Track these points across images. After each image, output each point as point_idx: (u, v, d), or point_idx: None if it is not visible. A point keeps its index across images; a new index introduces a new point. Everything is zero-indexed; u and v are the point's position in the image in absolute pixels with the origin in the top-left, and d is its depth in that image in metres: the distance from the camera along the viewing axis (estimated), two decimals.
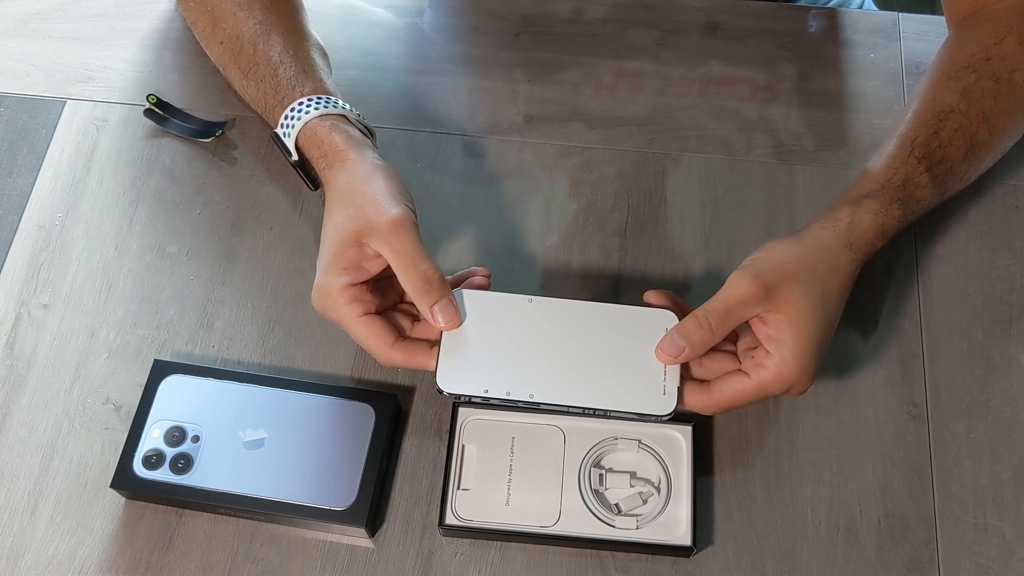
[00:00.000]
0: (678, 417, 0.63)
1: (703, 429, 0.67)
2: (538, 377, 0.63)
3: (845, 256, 0.64)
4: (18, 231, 0.75)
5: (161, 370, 0.67)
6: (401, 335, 0.64)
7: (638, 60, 0.84)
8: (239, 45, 0.74)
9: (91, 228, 0.76)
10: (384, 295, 0.66)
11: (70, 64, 0.83)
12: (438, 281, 0.62)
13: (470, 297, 0.64)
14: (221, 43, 0.76)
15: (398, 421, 0.67)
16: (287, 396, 0.66)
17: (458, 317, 0.63)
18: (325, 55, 0.77)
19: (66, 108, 0.81)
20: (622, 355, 0.63)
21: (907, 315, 0.72)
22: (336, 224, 0.64)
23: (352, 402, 0.66)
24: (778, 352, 0.60)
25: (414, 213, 0.64)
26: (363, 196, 0.64)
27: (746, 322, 0.62)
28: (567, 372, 0.63)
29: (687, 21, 0.86)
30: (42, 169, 0.78)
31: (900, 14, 0.87)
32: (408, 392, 0.69)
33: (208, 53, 0.79)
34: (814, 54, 0.85)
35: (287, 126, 0.70)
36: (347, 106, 0.70)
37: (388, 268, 0.64)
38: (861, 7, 0.99)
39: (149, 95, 0.80)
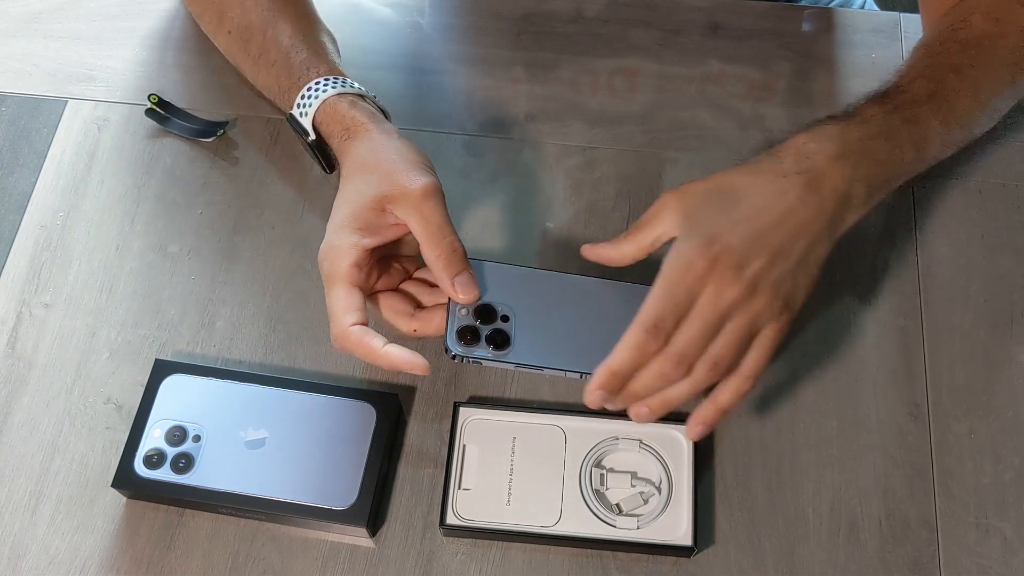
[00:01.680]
0: (680, 417, 0.63)
1: None
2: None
3: (761, 166, 0.63)
4: (20, 230, 0.75)
5: (162, 369, 0.67)
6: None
7: (639, 60, 0.84)
8: (248, 34, 0.74)
9: (92, 228, 0.76)
10: (388, 275, 0.66)
11: (72, 64, 0.83)
12: (462, 254, 0.63)
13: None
14: (229, 32, 0.76)
15: (399, 421, 0.67)
16: (288, 396, 0.66)
17: (477, 292, 0.63)
18: (334, 40, 0.77)
19: (68, 108, 0.81)
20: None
21: (909, 315, 0.72)
22: (356, 189, 0.64)
23: (353, 401, 0.66)
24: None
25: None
26: (390, 163, 0.64)
27: None
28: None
29: (688, 21, 0.86)
30: (43, 169, 0.78)
31: (902, 14, 0.87)
32: (409, 392, 0.69)
33: (216, 45, 0.79)
34: (815, 54, 0.85)
35: (304, 106, 0.70)
36: (362, 88, 0.70)
37: (394, 244, 0.64)
38: (863, 7, 0.99)
39: (151, 95, 0.80)
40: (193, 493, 0.63)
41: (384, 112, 0.72)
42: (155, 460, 0.64)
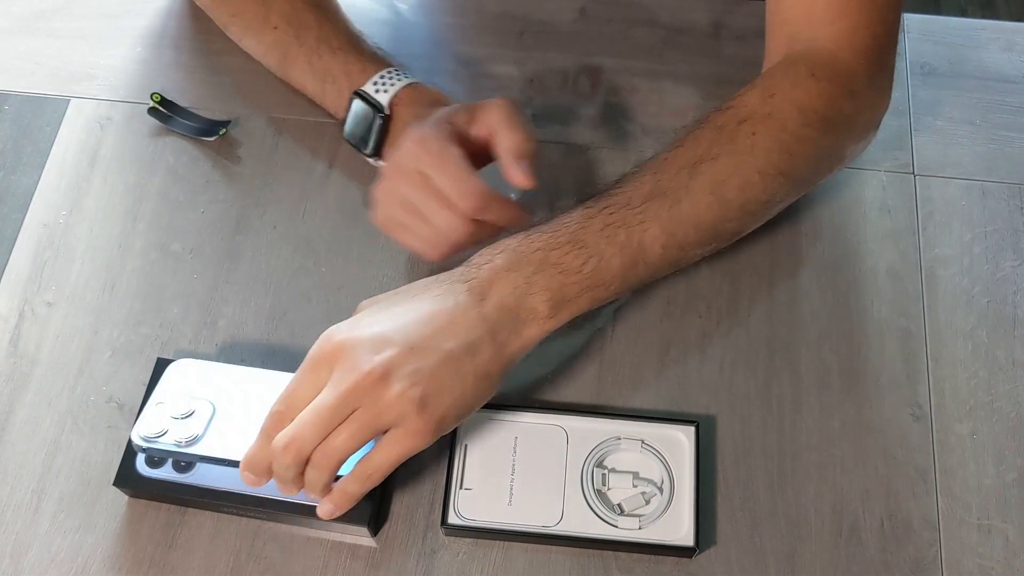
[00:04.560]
0: (681, 417, 0.63)
1: (707, 429, 0.67)
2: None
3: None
4: (22, 229, 0.75)
5: (164, 368, 0.67)
6: None
7: (643, 60, 0.84)
8: (302, 25, 0.75)
9: (95, 226, 0.76)
10: None
11: (74, 62, 0.83)
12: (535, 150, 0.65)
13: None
14: (275, 28, 0.76)
15: None
16: None
17: (533, 182, 0.64)
18: None
19: (70, 106, 0.81)
20: None
21: (911, 316, 0.72)
22: (438, 111, 0.67)
23: None
24: None
25: None
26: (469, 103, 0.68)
27: None
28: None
29: (692, 21, 0.86)
30: (46, 167, 0.78)
31: (905, 14, 0.87)
32: None
33: (249, 44, 0.79)
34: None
35: (384, 84, 0.72)
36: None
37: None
38: None
39: (153, 93, 0.80)
40: (195, 492, 0.63)
41: None
42: (157, 459, 0.63)
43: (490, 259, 0.62)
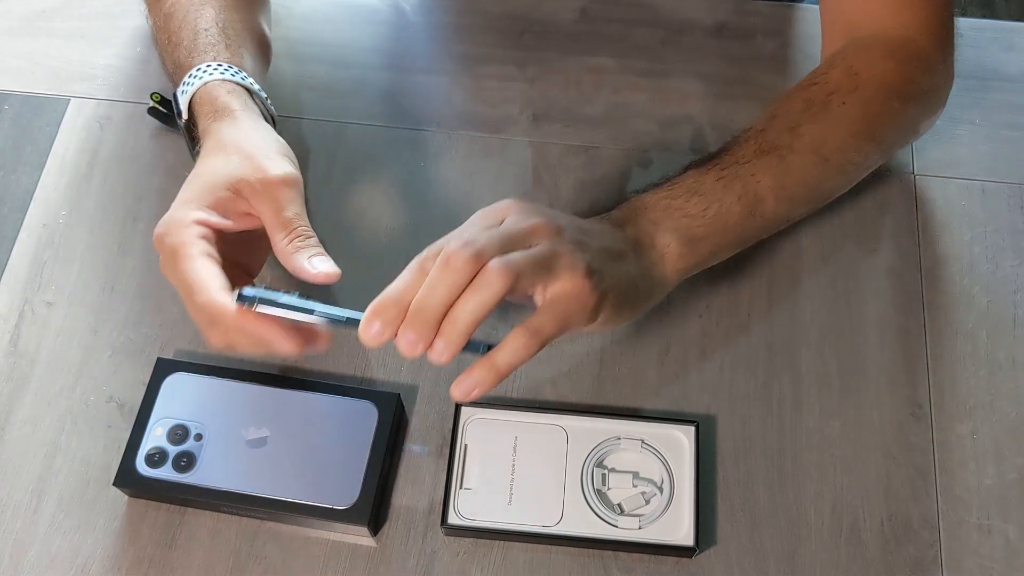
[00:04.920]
0: (681, 417, 0.63)
1: (707, 429, 0.67)
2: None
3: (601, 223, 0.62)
4: (22, 229, 0.75)
5: (164, 368, 0.67)
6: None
7: (643, 60, 0.84)
8: (174, 10, 0.72)
9: (95, 226, 0.76)
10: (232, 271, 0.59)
11: (74, 62, 0.84)
12: (316, 240, 0.59)
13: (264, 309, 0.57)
14: (161, 9, 0.73)
15: (401, 420, 0.67)
16: (290, 395, 0.66)
17: (337, 270, 0.59)
18: (265, 46, 0.75)
19: (70, 106, 0.81)
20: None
21: (911, 316, 0.72)
22: (212, 168, 0.60)
23: (355, 400, 0.66)
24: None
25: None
26: (252, 147, 0.61)
27: None
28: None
29: (692, 21, 0.86)
30: (46, 167, 0.78)
31: None
32: (411, 391, 0.69)
33: (149, 24, 0.77)
34: (818, 55, 0.84)
35: (188, 83, 0.66)
36: (257, 87, 0.68)
37: (242, 248, 0.61)
38: None
39: (153, 93, 0.80)
40: (195, 492, 0.63)
41: (270, 115, 0.70)
42: (157, 459, 0.63)
43: (627, 205, 0.64)
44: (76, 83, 0.82)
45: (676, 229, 0.63)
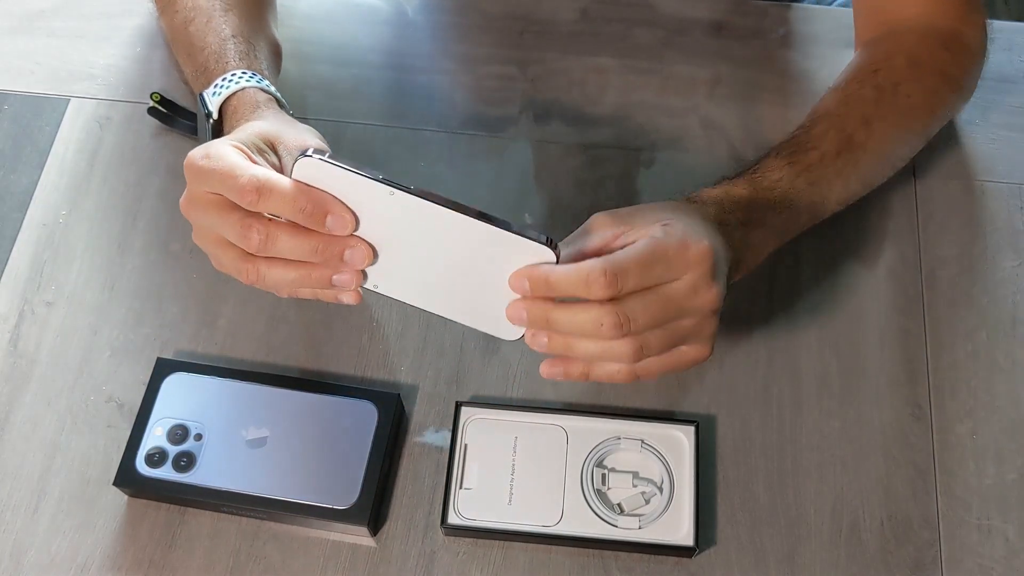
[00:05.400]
0: (681, 417, 0.63)
1: (707, 429, 0.67)
2: (391, 270, 0.57)
3: (691, 206, 0.62)
4: (22, 228, 0.75)
5: (164, 368, 0.67)
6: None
7: (643, 59, 0.84)
8: (194, 15, 0.72)
9: (94, 226, 0.76)
10: None
11: (74, 62, 0.83)
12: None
13: (328, 172, 0.55)
14: (177, 12, 0.74)
15: (401, 420, 0.67)
16: (290, 395, 0.66)
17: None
18: (279, 56, 0.76)
19: (70, 106, 0.81)
20: (484, 275, 0.55)
21: (911, 316, 0.72)
22: (253, 125, 0.62)
23: (355, 401, 0.66)
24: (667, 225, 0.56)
25: None
26: (288, 123, 0.63)
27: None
28: (422, 274, 0.57)
29: (692, 21, 0.86)
30: (46, 167, 0.78)
31: None
32: (411, 391, 0.69)
33: (163, 25, 0.77)
34: (821, 55, 0.84)
35: (222, 86, 0.68)
36: (283, 99, 0.69)
37: None
38: None
39: (153, 93, 0.80)
40: (194, 492, 0.63)
41: None
42: (157, 459, 0.64)
43: (733, 209, 0.63)
44: (76, 83, 0.82)
45: (754, 246, 0.63)
